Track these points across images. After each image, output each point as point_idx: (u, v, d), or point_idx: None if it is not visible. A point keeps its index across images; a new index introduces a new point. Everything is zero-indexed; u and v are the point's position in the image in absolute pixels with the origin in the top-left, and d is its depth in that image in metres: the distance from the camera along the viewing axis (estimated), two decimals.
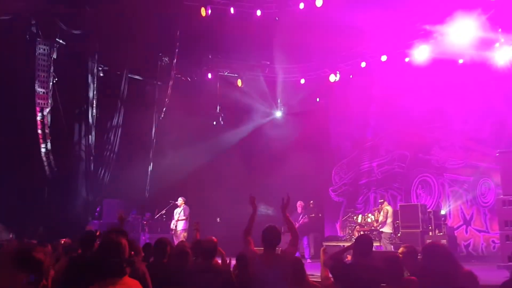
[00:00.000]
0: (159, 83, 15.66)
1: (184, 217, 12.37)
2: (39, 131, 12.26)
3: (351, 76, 15.79)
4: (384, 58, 14.11)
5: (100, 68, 14.25)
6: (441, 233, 12.35)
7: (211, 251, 4.20)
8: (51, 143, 12.48)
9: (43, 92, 12.35)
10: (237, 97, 16.24)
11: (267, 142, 16.89)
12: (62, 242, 6.17)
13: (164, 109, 15.45)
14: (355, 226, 13.78)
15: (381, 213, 12.42)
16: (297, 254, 5.91)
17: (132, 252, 3.32)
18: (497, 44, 11.49)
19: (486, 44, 11.76)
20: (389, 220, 12.05)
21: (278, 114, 17.61)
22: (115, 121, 14.53)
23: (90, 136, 13.80)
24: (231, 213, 13.69)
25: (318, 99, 17.18)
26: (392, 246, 11.62)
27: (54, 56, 12.55)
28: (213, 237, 4.56)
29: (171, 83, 15.25)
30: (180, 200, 12.67)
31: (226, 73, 16.45)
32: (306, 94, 16.61)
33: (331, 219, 16.89)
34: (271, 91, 17.03)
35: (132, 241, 4.44)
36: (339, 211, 16.79)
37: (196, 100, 16.09)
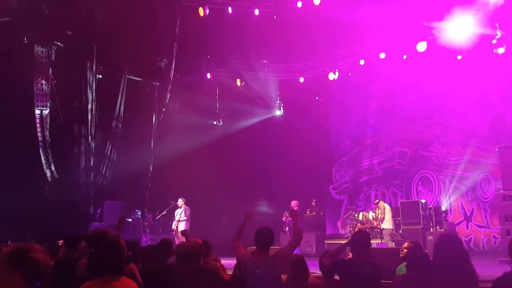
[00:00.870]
0: (158, 83, 15.66)
1: (185, 218, 12.35)
2: (39, 132, 12.27)
3: (350, 74, 15.79)
4: (382, 55, 14.11)
5: (99, 69, 14.26)
6: (442, 229, 12.33)
7: (194, 254, 4.11)
8: (50, 144, 12.47)
9: (42, 94, 12.36)
10: (236, 97, 16.25)
11: (267, 141, 16.88)
12: (60, 244, 6.16)
13: (163, 109, 15.45)
14: (357, 224, 13.75)
15: (379, 210, 12.42)
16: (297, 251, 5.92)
17: (130, 253, 3.46)
18: (494, 41, 11.47)
19: (484, 40, 11.75)
20: (388, 216, 12.01)
21: (278, 113, 17.59)
22: (114, 122, 14.53)
23: (89, 138, 13.80)
24: (233, 213, 13.71)
25: (317, 98, 17.20)
26: (393, 243, 11.59)
27: (53, 58, 12.56)
28: (198, 239, 4.47)
29: (170, 83, 15.26)
30: (180, 201, 12.64)
31: (225, 73, 16.45)
32: (305, 93, 16.63)
33: (332, 217, 16.90)
34: (270, 90, 17.02)
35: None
36: (340, 209, 16.83)
37: (196, 100, 16.10)
